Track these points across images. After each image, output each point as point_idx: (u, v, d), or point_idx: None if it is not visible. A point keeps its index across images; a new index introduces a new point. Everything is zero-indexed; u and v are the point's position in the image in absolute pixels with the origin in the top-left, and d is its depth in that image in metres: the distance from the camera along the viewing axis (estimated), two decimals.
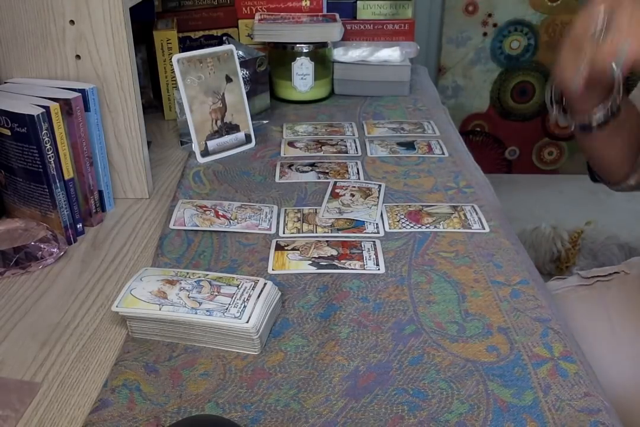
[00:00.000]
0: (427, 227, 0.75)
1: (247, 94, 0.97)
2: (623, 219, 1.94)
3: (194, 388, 0.53)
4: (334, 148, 0.97)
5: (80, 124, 0.73)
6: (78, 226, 0.75)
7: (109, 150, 0.81)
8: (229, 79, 0.94)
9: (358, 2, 1.24)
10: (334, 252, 0.69)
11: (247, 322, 0.55)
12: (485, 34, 2.08)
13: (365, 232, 0.74)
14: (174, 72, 0.90)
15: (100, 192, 0.80)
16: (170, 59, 0.96)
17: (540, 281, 0.68)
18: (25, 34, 0.76)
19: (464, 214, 0.77)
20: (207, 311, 0.56)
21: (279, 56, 1.15)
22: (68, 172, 0.73)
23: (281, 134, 1.03)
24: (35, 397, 0.53)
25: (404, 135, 1.01)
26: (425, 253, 0.71)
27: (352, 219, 0.76)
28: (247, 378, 0.54)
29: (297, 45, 1.13)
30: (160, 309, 0.57)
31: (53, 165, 0.70)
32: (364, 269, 0.67)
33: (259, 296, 0.58)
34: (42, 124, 0.68)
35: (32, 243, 0.69)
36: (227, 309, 0.56)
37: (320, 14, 1.19)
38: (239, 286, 0.59)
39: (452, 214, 0.77)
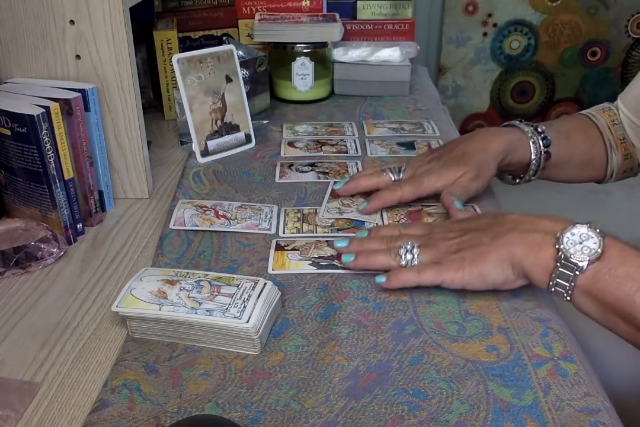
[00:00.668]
0: None
1: (247, 94, 0.97)
2: (623, 219, 1.94)
3: (194, 388, 0.53)
4: (334, 148, 0.97)
5: (80, 124, 0.73)
6: (78, 226, 0.75)
7: (109, 150, 0.81)
8: (229, 79, 0.94)
9: (358, 2, 1.24)
10: (334, 252, 0.69)
11: (247, 322, 0.55)
12: (485, 34, 2.08)
13: None
14: (174, 72, 0.90)
15: (100, 192, 0.80)
16: (170, 59, 0.96)
17: None
18: (25, 34, 0.76)
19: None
20: (207, 311, 0.56)
21: (279, 56, 1.15)
22: (68, 172, 0.73)
23: (281, 134, 1.03)
24: (35, 397, 0.53)
25: (404, 135, 1.01)
26: None
27: (352, 219, 0.76)
28: (247, 378, 0.54)
29: (297, 45, 1.13)
30: (160, 309, 0.57)
31: (53, 165, 0.70)
32: None
33: (259, 296, 0.58)
34: (42, 124, 0.68)
35: (32, 243, 0.69)
36: (227, 309, 0.56)
37: (320, 14, 1.19)
38: (239, 286, 0.59)
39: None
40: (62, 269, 0.70)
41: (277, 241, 0.72)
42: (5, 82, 0.78)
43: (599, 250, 0.55)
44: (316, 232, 0.75)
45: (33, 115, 0.67)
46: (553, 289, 0.57)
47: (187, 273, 0.62)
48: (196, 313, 0.56)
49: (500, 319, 0.60)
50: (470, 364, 0.55)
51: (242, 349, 0.57)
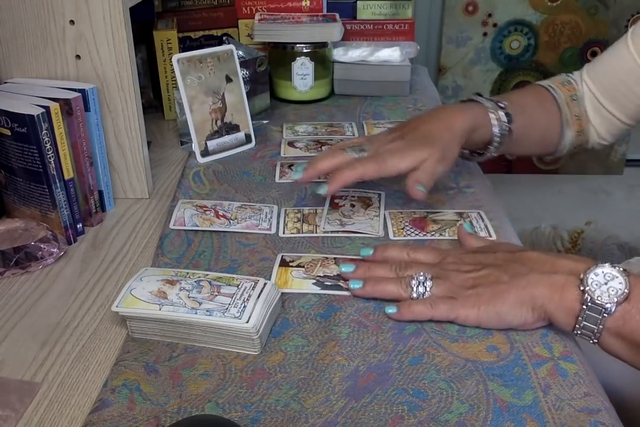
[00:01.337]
0: (432, 235, 0.73)
1: (247, 94, 0.97)
2: (623, 219, 1.94)
3: (194, 388, 0.53)
4: None
5: (80, 124, 0.73)
6: (78, 226, 0.75)
7: (109, 150, 0.81)
8: (229, 79, 0.94)
9: (358, 2, 1.24)
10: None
11: (247, 322, 0.55)
12: (485, 34, 2.08)
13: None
14: (174, 72, 0.90)
15: (100, 192, 0.80)
16: (170, 59, 0.96)
17: None
18: (25, 34, 0.76)
19: (470, 221, 0.75)
20: (207, 310, 0.56)
21: (279, 56, 1.15)
22: (68, 172, 0.73)
23: (281, 134, 1.03)
24: (35, 397, 0.53)
25: None
26: None
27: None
28: (247, 378, 0.54)
29: (297, 45, 1.13)
30: (160, 309, 0.57)
31: (53, 165, 0.70)
32: None
33: (259, 296, 0.58)
34: (42, 124, 0.68)
35: (32, 243, 0.69)
36: (227, 309, 0.56)
37: (320, 14, 1.19)
38: (239, 286, 0.59)
39: (458, 221, 0.76)
40: (62, 269, 0.70)
41: (282, 256, 0.70)
42: (5, 82, 0.78)
43: (626, 290, 0.53)
44: (316, 233, 0.74)
45: (33, 115, 0.67)
46: (579, 332, 0.55)
47: (187, 273, 0.62)
48: (196, 313, 0.56)
49: None
50: (470, 364, 0.55)
51: (242, 349, 0.57)
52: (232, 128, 0.95)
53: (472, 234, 0.70)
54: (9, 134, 0.70)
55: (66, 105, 0.72)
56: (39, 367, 0.56)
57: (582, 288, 0.54)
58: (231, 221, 0.76)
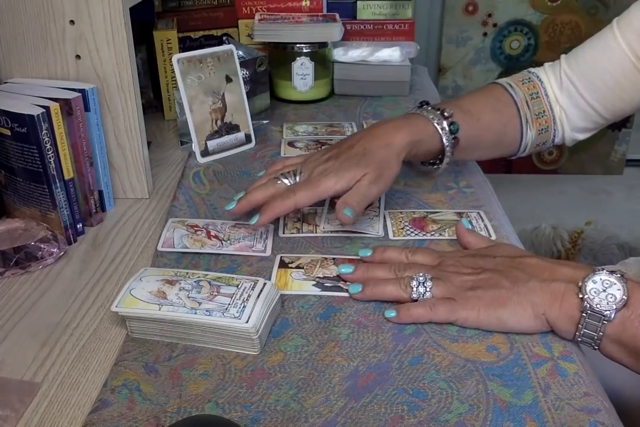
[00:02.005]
0: (432, 235, 0.73)
1: (247, 94, 0.97)
2: (623, 219, 1.94)
3: (194, 388, 0.53)
4: None
5: (80, 124, 0.73)
6: (78, 226, 0.75)
7: (109, 150, 0.81)
8: (229, 79, 0.94)
9: (358, 2, 1.24)
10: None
11: (247, 322, 0.55)
12: (485, 34, 2.08)
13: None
14: (174, 72, 0.90)
15: (100, 192, 0.80)
16: (170, 59, 0.96)
17: None
18: (25, 34, 0.76)
19: (470, 221, 0.75)
20: (206, 311, 0.56)
21: (279, 56, 1.15)
22: (68, 172, 0.73)
23: (281, 134, 1.03)
24: (35, 397, 0.53)
25: None
26: None
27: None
28: (247, 378, 0.54)
29: (297, 45, 1.13)
30: (159, 309, 0.57)
31: (53, 165, 0.70)
32: None
33: (258, 296, 0.58)
34: (42, 124, 0.68)
35: (32, 243, 0.69)
36: (226, 309, 0.56)
37: (320, 14, 1.19)
38: (239, 286, 0.59)
39: (458, 221, 0.75)
40: (62, 269, 0.70)
41: (281, 257, 0.70)
42: (5, 82, 0.78)
43: (624, 296, 0.53)
44: (316, 232, 0.74)
45: (33, 115, 0.67)
46: (580, 339, 0.56)
47: (187, 273, 0.62)
48: (196, 313, 0.56)
49: None
50: (470, 364, 0.55)
51: (242, 349, 0.57)
52: (232, 128, 0.95)
53: (471, 230, 0.70)
54: (9, 134, 0.70)
55: (66, 105, 0.72)
56: (39, 367, 0.56)
57: (580, 296, 0.54)
58: (223, 242, 0.72)
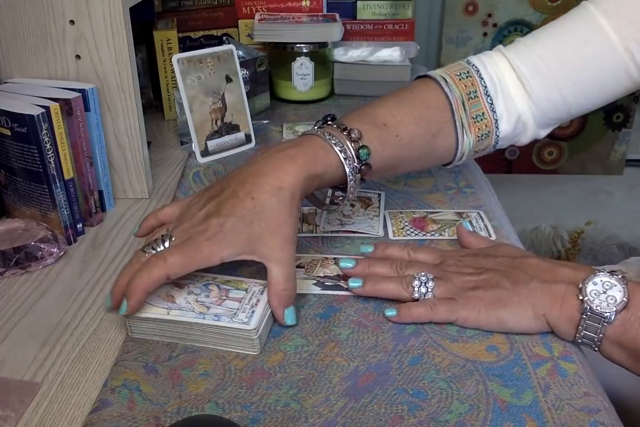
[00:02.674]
0: (432, 235, 0.73)
1: (247, 94, 0.97)
2: (623, 219, 1.94)
3: (194, 388, 0.53)
4: None
5: (80, 124, 0.73)
6: (78, 226, 0.75)
7: (109, 150, 0.81)
8: (229, 79, 0.94)
9: (358, 2, 1.24)
10: (341, 272, 0.66)
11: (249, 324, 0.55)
12: (485, 34, 2.08)
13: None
14: (174, 72, 0.90)
15: (100, 192, 0.80)
16: (170, 59, 0.96)
17: None
18: (25, 34, 0.76)
19: (470, 221, 0.75)
20: (215, 315, 0.56)
21: (279, 56, 1.15)
22: (68, 172, 0.73)
23: (281, 134, 1.03)
24: (35, 397, 0.53)
25: None
26: None
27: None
28: (247, 378, 0.54)
29: (297, 45, 1.13)
30: (168, 314, 0.57)
31: (53, 165, 0.70)
32: None
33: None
34: (42, 124, 0.68)
35: (32, 243, 0.69)
36: (235, 314, 0.56)
37: (320, 14, 1.19)
38: (248, 290, 0.59)
39: (458, 221, 0.76)
40: (62, 269, 0.70)
41: None
42: (5, 82, 0.78)
43: (625, 298, 0.53)
44: (316, 232, 0.75)
45: (33, 115, 0.67)
46: (580, 341, 0.55)
47: (196, 276, 0.61)
48: (204, 318, 0.56)
49: None
50: (470, 364, 0.55)
51: (242, 349, 0.57)
52: (232, 128, 0.96)
53: (472, 232, 0.70)
54: (9, 134, 0.70)
55: (66, 105, 0.72)
56: (39, 367, 0.56)
57: (581, 297, 0.54)
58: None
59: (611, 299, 0.53)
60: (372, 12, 1.25)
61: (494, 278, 0.59)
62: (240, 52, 1.03)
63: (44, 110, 0.68)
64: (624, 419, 0.53)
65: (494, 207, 0.81)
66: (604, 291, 0.54)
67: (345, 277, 0.65)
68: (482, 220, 0.76)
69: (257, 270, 0.68)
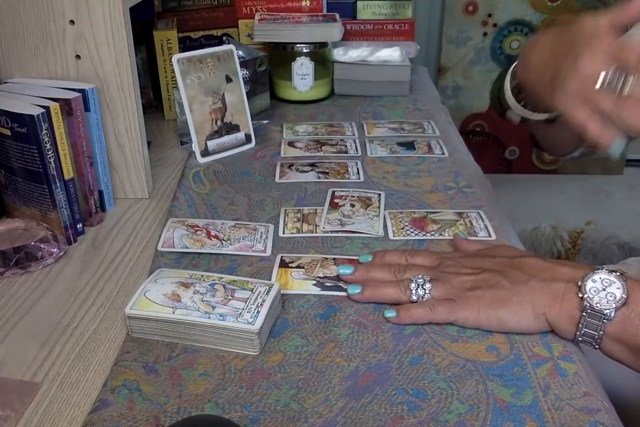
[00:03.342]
0: (432, 235, 0.73)
1: (247, 94, 0.97)
2: (623, 219, 1.94)
3: (194, 388, 0.53)
4: (334, 148, 0.97)
5: (80, 124, 0.73)
6: (78, 226, 0.75)
7: (109, 150, 0.81)
8: (229, 79, 0.94)
9: (358, 2, 1.24)
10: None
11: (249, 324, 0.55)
12: (485, 34, 2.08)
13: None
14: (174, 72, 0.90)
15: (100, 192, 0.80)
16: (170, 59, 0.96)
17: None
18: (25, 34, 0.76)
19: (470, 221, 0.75)
20: (220, 315, 0.56)
21: (279, 56, 1.15)
22: (68, 172, 0.73)
23: (281, 134, 1.03)
24: (35, 397, 0.53)
25: (404, 135, 1.01)
26: None
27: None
28: (247, 378, 0.54)
29: (297, 45, 1.13)
30: (173, 313, 0.57)
31: (53, 165, 0.70)
32: None
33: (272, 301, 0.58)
34: (42, 124, 0.68)
35: (32, 243, 0.69)
36: (240, 314, 0.56)
37: (320, 14, 1.19)
38: (253, 290, 0.59)
39: (458, 221, 0.76)
40: (62, 269, 0.70)
41: (282, 257, 0.69)
42: (5, 82, 0.78)
43: (624, 295, 0.53)
44: (316, 233, 0.74)
45: (33, 115, 0.67)
46: (580, 339, 0.55)
47: (202, 275, 0.61)
48: (209, 318, 0.56)
49: None
50: (470, 364, 0.55)
51: (242, 349, 0.57)
52: (232, 128, 0.95)
53: (468, 239, 0.70)
54: (9, 134, 0.70)
55: (66, 105, 0.72)
56: (39, 367, 0.56)
57: (580, 295, 0.54)
58: (224, 242, 0.72)
59: (611, 296, 0.53)
60: (372, 12, 1.25)
61: (493, 278, 0.59)
62: (240, 52, 1.03)
63: (44, 110, 0.68)
64: (624, 419, 0.53)
65: (494, 207, 0.81)
66: (603, 288, 0.54)
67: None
68: (482, 220, 0.76)
69: (258, 270, 0.68)
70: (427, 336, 0.58)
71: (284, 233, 0.75)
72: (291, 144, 0.98)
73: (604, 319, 0.53)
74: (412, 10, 1.25)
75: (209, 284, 0.60)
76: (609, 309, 0.53)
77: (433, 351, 0.56)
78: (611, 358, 0.56)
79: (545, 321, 0.56)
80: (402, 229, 0.75)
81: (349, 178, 0.87)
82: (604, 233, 1.81)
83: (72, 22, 0.75)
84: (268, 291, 0.59)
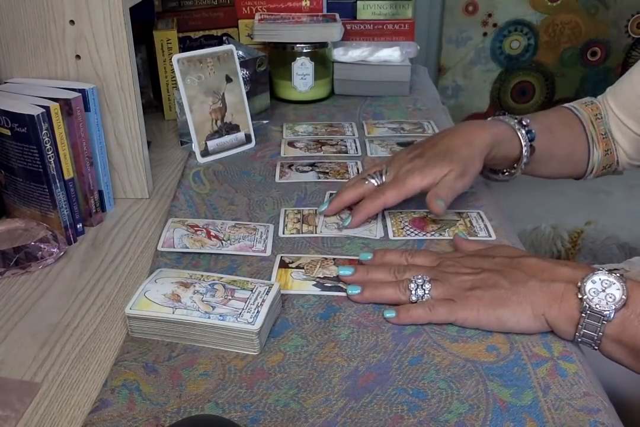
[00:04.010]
0: (432, 235, 0.73)
1: (247, 94, 0.97)
2: (623, 219, 1.94)
3: (194, 388, 0.53)
4: (334, 148, 0.97)
5: (80, 124, 0.73)
6: (78, 226, 0.75)
7: (109, 150, 0.81)
8: (229, 79, 0.94)
9: (358, 2, 1.24)
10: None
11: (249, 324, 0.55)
12: (485, 34, 2.08)
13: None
14: (174, 72, 0.90)
15: (100, 192, 0.80)
16: (170, 59, 0.96)
17: None
18: (25, 34, 0.76)
19: (470, 221, 0.75)
20: (220, 315, 0.56)
21: (279, 56, 1.15)
22: (68, 172, 0.73)
23: (281, 134, 1.03)
24: (35, 397, 0.53)
25: (404, 135, 1.01)
26: None
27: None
28: (247, 378, 0.54)
29: (297, 45, 1.13)
30: (173, 313, 0.57)
31: (53, 165, 0.70)
32: None
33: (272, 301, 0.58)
34: (42, 124, 0.68)
35: (32, 243, 0.69)
36: (240, 314, 0.56)
37: (320, 14, 1.19)
38: (253, 290, 0.59)
39: (458, 221, 0.76)
40: (62, 269, 0.70)
41: (282, 257, 0.69)
42: (5, 82, 0.78)
43: (624, 296, 0.53)
44: (316, 233, 0.74)
45: (33, 115, 0.67)
46: (580, 340, 0.55)
47: (202, 275, 0.61)
48: (209, 318, 0.56)
49: None
50: (470, 364, 0.55)
51: (242, 349, 0.57)
52: (232, 128, 0.96)
53: (468, 240, 0.70)
54: (9, 134, 0.70)
55: (66, 105, 0.72)
56: (39, 367, 0.56)
57: (580, 296, 0.54)
58: (223, 242, 0.72)
59: (610, 297, 0.53)
60: (372, 12, 1.25)
61: (492, 278, 0.59)
62: (240, 52, 1.03)
63: (44, 110, 0.68)
64: (624, 419, 0.53)
65: (494, 207, 0.81)
66: (603, 289, 0.54)
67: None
68: (482, 220, 0.76)
69: (257, 270, 0.68)
70: (427, 336, 0.58)
71: (283, 233, 0.74)
72: (291, 144, 0.98)
73: (604, 320, 0.53)
74: (412, 10, 1.25)
75: (209, 284, 0.60)
76: (608, 310, 0.53)
77: (433, 351, 0.56)
78: (610, 359, 0.56)
79: (544, 322, 0.56)
80: (402, 229, 0.75)
81: (349, 178, 0.87)
82: (604, 233, 1.81)
83: (72, 22, 0.75)
84: (268, 291, 0.59)
